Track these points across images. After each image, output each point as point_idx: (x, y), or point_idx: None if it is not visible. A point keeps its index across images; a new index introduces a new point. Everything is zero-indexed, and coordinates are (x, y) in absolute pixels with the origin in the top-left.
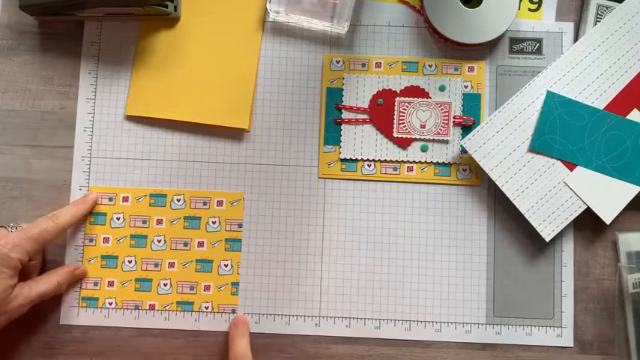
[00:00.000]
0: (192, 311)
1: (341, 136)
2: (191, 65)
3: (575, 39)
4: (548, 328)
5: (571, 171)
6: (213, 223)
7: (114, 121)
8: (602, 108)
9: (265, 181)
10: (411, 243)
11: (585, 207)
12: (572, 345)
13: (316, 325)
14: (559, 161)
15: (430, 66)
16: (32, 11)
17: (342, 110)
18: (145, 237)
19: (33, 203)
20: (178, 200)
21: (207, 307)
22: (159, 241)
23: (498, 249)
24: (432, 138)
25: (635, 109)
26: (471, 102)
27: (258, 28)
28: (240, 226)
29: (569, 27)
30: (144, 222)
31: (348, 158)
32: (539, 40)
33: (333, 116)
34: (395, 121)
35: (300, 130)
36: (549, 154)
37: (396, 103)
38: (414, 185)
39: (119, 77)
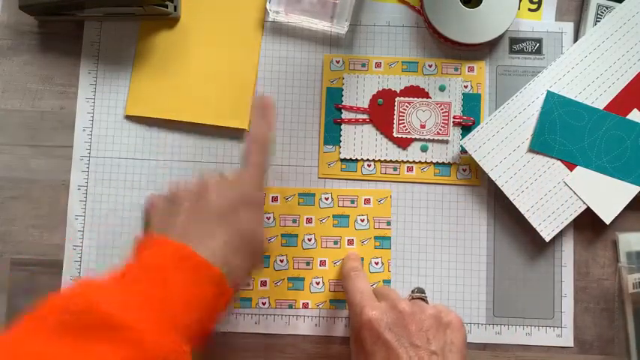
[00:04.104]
0: None
1: (341, 136)
2: (191, 65)
3: (575, 39)
4: (548, 328)
5: (571, 171)
6: None
7: (114, 120)
8: (602, 108)
9: (265, 181)
10: (410, 243)
11: (585, 207)
12: (572, 345)
13: (316, 325)
14: (559, 161)
15: (430, 66)
16: (32, 11)
17: (342, 110)
18: None
19: (32, 203)
20: None
21: None
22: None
23: (498, 249)
24: (431, 138)
25: (635, 109)
26: (471, 102)
27: (258, 28)
28: None
29: (569, 27)
30: None
31: (348, 158)
32: (539, 40)
33: (333, 116)
34: (395, 121)
35: (300, 130)
36: (549, 154)
37: (395, 103)
38: (413, 185)
39: (119, 77)
